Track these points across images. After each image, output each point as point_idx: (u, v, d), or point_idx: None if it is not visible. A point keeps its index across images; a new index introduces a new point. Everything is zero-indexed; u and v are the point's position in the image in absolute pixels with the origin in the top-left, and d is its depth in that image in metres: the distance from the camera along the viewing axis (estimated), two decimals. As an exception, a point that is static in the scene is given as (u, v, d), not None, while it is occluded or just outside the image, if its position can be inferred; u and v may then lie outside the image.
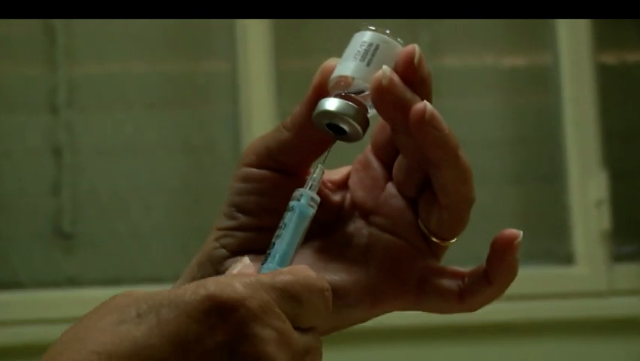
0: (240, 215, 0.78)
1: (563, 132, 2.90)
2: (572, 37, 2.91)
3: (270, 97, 2.72)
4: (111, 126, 2.78)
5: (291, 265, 0.71)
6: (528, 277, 2.82)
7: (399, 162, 0.77)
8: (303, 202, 0.72)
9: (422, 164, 0.74)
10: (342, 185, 0.79)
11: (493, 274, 0.76)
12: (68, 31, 2.78)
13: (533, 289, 2.79)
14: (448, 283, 0.76)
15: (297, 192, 0.73)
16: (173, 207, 2.78)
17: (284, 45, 2.82)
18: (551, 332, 2.79)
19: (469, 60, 2.97)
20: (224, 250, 0.78)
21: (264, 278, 0.65)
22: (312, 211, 0.72)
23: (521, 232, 0.75)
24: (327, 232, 0.76)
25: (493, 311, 2.76)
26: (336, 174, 0.79)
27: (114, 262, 2.71)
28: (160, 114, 2.80)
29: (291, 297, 0.65)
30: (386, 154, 0.78)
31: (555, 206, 2.91)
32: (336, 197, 0.79)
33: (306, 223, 0.72)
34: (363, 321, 0.77)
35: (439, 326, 2.75)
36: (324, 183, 0.78)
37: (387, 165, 0.78)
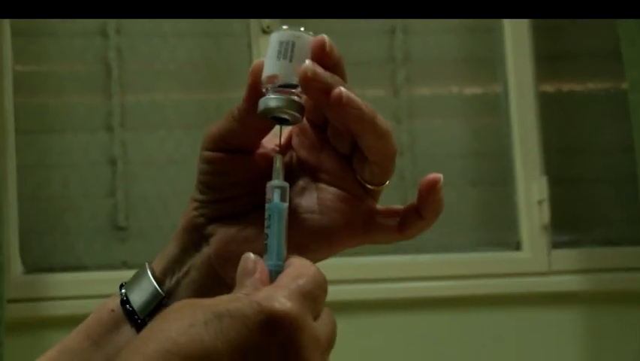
0: (208, 190, 0.78)
1: (511, 146, 2.90)
2: (518, 71, 2.90)
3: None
4: (156, 143, 2.78)
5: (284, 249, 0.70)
6: (484, 260, 2.82)
7: (330, 127, 0.76)
8: (276, 201, 0.71)
9: (349, 131, 0.74)
10: (287, 147, 0.79)
11: (424, 210, 0.76)
12: (121, 67, 2.78)
13: (489, 270, 2.79)
14: (387, 220, 0.77)
15: (268, 188, 0.72)
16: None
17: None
18: (503, 304, 2.79)
19: (437, 90, 2.96)
20: (202, 218, 0.79)
21: (292, 286, 0.64)
22: (285, 205, 0.71)
23: (442, 175, 0.75)
24: None
25: (457, 287, 2.78)
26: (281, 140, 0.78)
27: (158, 250, 2.70)
28: (194, 134, 2.79)
29: (311, 298, 0.64)
30: (317, 119, 0.77)
31: (505, 204, 2.91)
32: (285, 158, 0.78)
33: (284, 216, 0.71)
34: (324, 259, 0.77)
35: (411, 299, 2.75)
36: (274, 150, 0.77)
37: (319, 128, 0.77)
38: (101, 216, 2.73)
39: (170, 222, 2.74)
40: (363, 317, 2.71)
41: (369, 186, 0.76)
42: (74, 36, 2.77)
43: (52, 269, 2.66)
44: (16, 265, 2.60)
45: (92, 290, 2.57)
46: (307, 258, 0.72)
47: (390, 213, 0.77)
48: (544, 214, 2.83)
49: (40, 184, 2.71)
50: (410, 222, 0.77)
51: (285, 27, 0.74)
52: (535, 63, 2.91)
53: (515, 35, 2.91)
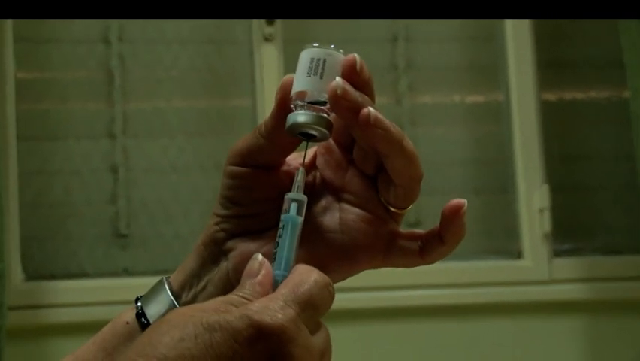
0: (231, 205, 0.78)
1: (513, 154, 2.90)
2: (520, 79, 2.90)
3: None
4: (157, 150, 2.78)
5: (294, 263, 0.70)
6: (485, 268, 2.82)
7: (356, 148, 0.76)
8: (292, 213, 0.71)
9: (375, 152, 0.73)
10: (312, 166, 0.79)
11: (446, 235, 0.76)
12: (124, 74, 2.78)
13: (490, 278, 2.79)
14: (409, 244, 0.77)
15: (286, 199, 0.72)
16: (207, 214, 2.76)
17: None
18: (504, 312, 2.78)
19: (439, 98, 2.96)
20: (223, 233, 0.78)
21: (289, 296, 0.64)
22: (300, 219, 0.71)
23: (466, 201, 0.75)
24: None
25: (458, 295, 2.77)
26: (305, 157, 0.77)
27: (160, 257, 2.71)
28: (196, 141, 2.79)
29: (311, 306, 0.64)
30: (344, 139, 0.77)
31: (507, 213, 2.90)
32: (309, 177, 0.78)
33: (298, 229, 0.71)
34: (344, 279, 0.77)
35: (413, 306, 2.74)
36: (296, 167, 0.76)
37: (345, 148, 0.77)
38: (102, 223, 2.72)
39: (172, 230, 2.74)
40: (363, 325, 2.71)
41: (392, 209, 0.76)
42: (77, 43, 2.77)
43: (53, 276, 2.66)
44: (17, 272, 2.60)
45: (93, 297, 2.57)
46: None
47: (412, 237, 0.77)
48: (545, 222, 2.83)
49: (42, 191, 2.71)
50: (432, 248, 0.76)
51: (316, 44, 0.73)
52: (537, 71, 2.91)
53: (517, 43, 2.92)
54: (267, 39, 2.80)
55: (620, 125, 2.89)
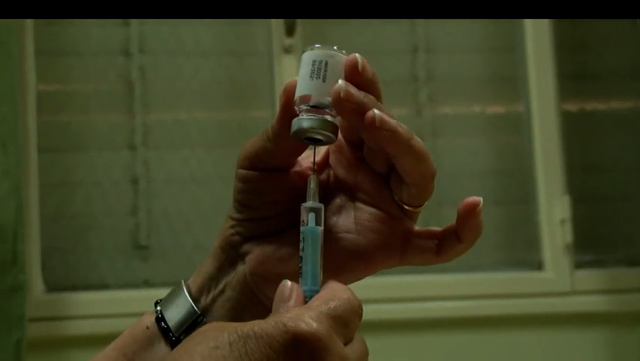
0: (243, 209, 0.78)
1: (534, 165, 2.89)
2: (541, 90, 2.90)
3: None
4: (178, 162, 2.78)
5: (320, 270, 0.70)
6: (506, 280, 2.81)
7: (367, 146, 0.75)
8: (311, 225, 0.70)
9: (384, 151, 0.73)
10: (325, 164, 0.78)
11: (462, 233, 0.75)
12: (144, 87, 2.79)
13: (511, 290, 2.78)
14: (426, 242, 0.76)
15: (302, 210, 0.71)
16: (227, 225, 2.77)
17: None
18: (526, 324, 2.77)
19: (460, 109, 2.96)
20: (238, 237, 0.78)
21: (322, 308, 0.63)
22: (320, 229, 0.71)
23: (481, 198, 0.75)
24: None
25: (479, 307, 2.76)
26: (318, 155, 0.77)
27: (180, 269, 2.71)
28: (217, 152, 2.80)
29: (342, 322, 0.64)
30: (353, 138, 0.76)
31: (528, 223, 2.89)
32: (322, 176, 0.78)
33: (319, 240, 0.70)
34: (361, 279, 0.77)
35: (433, 318, 2.74)
36: (309, 168, 0.76)
37: (356, 146, 0.76)
38: (122, 234, 2.73)
39: (192, 241, 2.74)
40: (382, 337, 2.70)
41: (406, 207, 0.76)
42: (97, 55, 2.78)
43: (73, 288, 2.67)
44: (37, 284, 2.61)
45: (113, 309, 2.57)
46: (344, 278, 0.73)
47: (428, 235, 0.77)
48: (566, 234, 2.82)
49: (63, 202, 2.72)
50: (448, 245, 0.76)
51: (317, 45, 0.73)
52: (557, 82, 2.91)
53: (538, 54, 2.91)
54: (287, 50, 2.80)
55: (642, 135, 2.88)
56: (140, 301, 2.52)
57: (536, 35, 2.92)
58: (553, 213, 2.84)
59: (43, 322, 2.56)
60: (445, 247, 0.76)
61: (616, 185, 2.98)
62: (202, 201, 2.77)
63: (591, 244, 2.92)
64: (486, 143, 2.94)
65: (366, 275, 0.77)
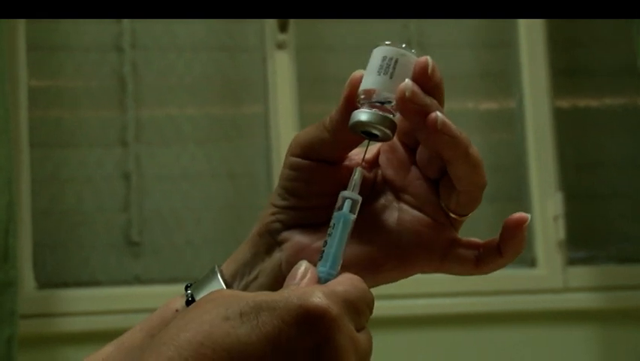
0: (289, 197, 0.77)
1: (526, 162, 2.89)
2: (534, 86, 2.90)
3: (295, 134, 2.71)
4: (170, 157, 2.78)
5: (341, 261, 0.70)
6: (499, 277, 2.79)
7: (421, 150, 0.75)
8: (345, 211, 0.70)
9: (439, 157, 0.73)
10: (374, 163, 0.78)
11: (505, 247, 0.75)
12: (136, 82, 2.78)
13: (503, 287, 2.78)
14: (466, 252, 0.76)
15: (340, 197, 0.71)
16: (219, 222, 2.78)
17: (306, 93, 2.82)
18: (518, 321, 2.78)
19: (452, 105, 2.96)
20: (279, 224, 0.78)
21: (338, 289, 0.63)
22: (353, 217, 0.70)
23: (530, 215, 0.75)
24: (363, 204, 0.73)
25: (472, 304, 2.76)
26: (368, 152, 0.77)
27: (172, 265, 2.71)
28: (208, 148, 2.80)
29: (355, 309, 0.64)
30: (409, 140, 0.76)
31: (521, 220, 2.89)
32: (370, 173, 0.77)
33: (349, 227, 0.70)
34: (397, 280, 0.78)
35: (426, 315, 2.74)
36: (359, 163, 0.76)
37: (410, 149, 0.76)
38: (114, 231, 2.73)
39: (184, 238, 2.74)
40: (377, 333, 2.70)
41: (452, 215, 0.76)
42: (89, 50, 2.78)
43: (65, 284, 2.66)
44: (29, 280, 2.60)
45: (105, 306, 2.57)
46: (381, 276, 0.74)
47: (469, 246, 0.76)
48: (559, 230, 2.82)
49: (55, 198, 2.71)
50: (489, 258, 0.76)
51: (388, 42, 0.73)
52: (550, 78, 2.91)
53: (531, 50, 2.91)
54: (280, 46, 2.80)
55: (635, 132, 2.88)
56: (132, 298, 2.53)
57: (529, 32, 2.92)
58: (546, 209, 2.84)
59: (34, 318, 2.56)
60: (485, 259, 0.76)
61: (609, 182, 2.99)
62: (194, 197, 2.76)
63: (584, 241, 2.93)
64: (479, 139, 2.94)
65: (403, 277, 0.77)
